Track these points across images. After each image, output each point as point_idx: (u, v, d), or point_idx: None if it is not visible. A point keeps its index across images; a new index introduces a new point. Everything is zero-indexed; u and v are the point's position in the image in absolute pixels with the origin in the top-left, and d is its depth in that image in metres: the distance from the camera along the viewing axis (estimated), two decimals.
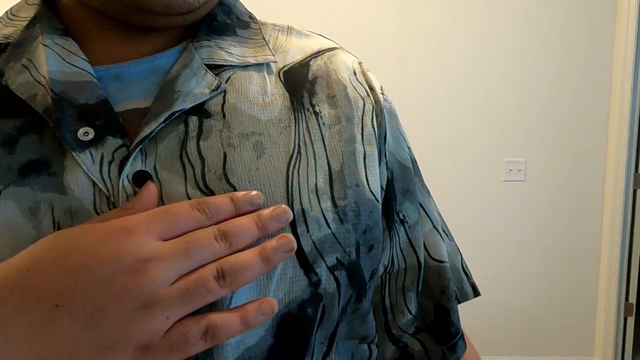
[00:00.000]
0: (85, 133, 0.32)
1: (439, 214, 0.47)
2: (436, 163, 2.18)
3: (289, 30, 0.44)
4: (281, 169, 0.35)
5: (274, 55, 0.40)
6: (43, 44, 0.35)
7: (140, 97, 0.35)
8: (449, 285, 0.44)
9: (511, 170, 2.20)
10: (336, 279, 0.36)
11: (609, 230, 2.20)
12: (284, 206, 0.32)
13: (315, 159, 0.36)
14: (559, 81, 2.15)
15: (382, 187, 0.41)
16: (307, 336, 0.35)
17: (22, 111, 0.34)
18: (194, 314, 0.29)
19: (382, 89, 0.43)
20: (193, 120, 0.35)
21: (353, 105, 0.40)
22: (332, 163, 0.37)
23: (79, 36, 0.38)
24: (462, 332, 0.46)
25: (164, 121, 0.33)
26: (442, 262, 0.44)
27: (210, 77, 0.36)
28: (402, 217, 0.42)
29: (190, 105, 0.34)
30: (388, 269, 0.42)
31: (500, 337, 2.26)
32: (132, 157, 0.32)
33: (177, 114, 0.34)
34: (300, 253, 0.34)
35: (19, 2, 0.40)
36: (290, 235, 0.32)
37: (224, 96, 0.36)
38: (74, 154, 0.32)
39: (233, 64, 0.38)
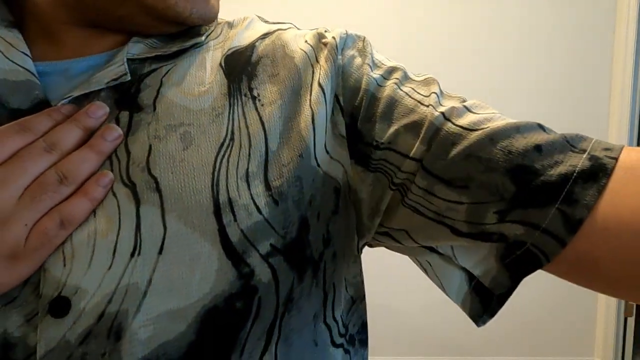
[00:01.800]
0: None
1: (458, 98, 0.38)
2: None
3: (243, 21, 0.44)
4: (208, 159, 0.34)
5: (202, 38, 0.40)
6: None
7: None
8: (512, 139, 0.33)
9: None
10: (271, 266, 0.34)
11: None
12: (98, 102, 0.34)
13: (250, 143, 0.35)
14: (559, 81, 2.15)
15: (343, 136, 0.38)
16: (234, 332, 0.33)
17: None
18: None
19: (345, 32, 0.41)
20: (124, 116, 0.35)
21: (302, 73, 0.39)
22: (270, 143, 0.35)
23: (40, 29, 0.38)
24: (585, 169, 0.31)
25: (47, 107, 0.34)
26: (482, 128, 0.34)
27: (120, 69, 0.36)
28: (375, 143, 0.37)
29: (79, 93, 0.35)
30: (402, 192, 0.36)
31: (501, 337, 2.26)
32: None
33: (69, 98, 0.35)
34: (226, 244, 0.32)
35: None
36: (114, 125, 0.34)
37: (159, 89, 0.36)
38: None
39: (153, 54, 0.38)
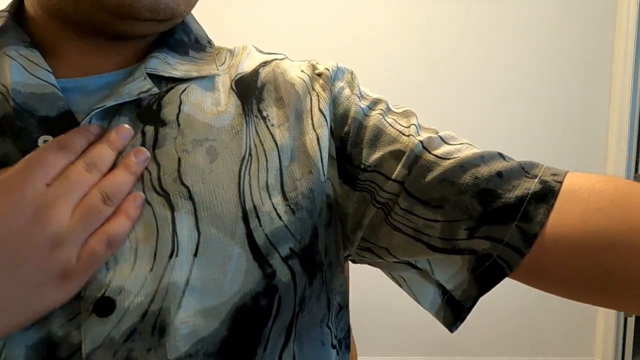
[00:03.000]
0: (45, 141, 0.35)
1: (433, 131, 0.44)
2: None
3: (243, 50, 0.48)
4: (233, 171, 0.38)
5: (217, 69, 0.44)
6: (7, 55, 0.37)
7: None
8: (478, 167, 0.39)
9: None
10: (290, 268, 0.38)
11: None
12: (125, 125, 0.36)
13: (266, 158, 0.39)
14: (559, 81, 2.15)
15: (333, 158, 0.43)
16: (259, 329, 0.37)
17: None
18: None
19: (336, 65, 0.46)
20: (149, 130, 0.38)
21: (302, 99, 0.43)
22: (282, 159, 0.40)
23: (47, 48, 0.40)
24: (537, 191, 0.37)
25: (84, 118, 0.37)
26: (454, 157, 0.40)
27: (146, 83, 0.39)
28: (362, 166, 0.41)
29: (112, 103, 0.37)
30: (386, 211, 0.41)
31: (501, 337, 2.26)
32: None
33: (94, 112, 0.37)
34: (253, 246, 0.36)
35: None
36: (143, 148, 0.36)
37: (180, 106, 0.40)
38: None
39: (175, 76, 0.41)
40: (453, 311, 0.41)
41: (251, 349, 0.36)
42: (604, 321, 2.23)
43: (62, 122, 0.36)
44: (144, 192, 0.35)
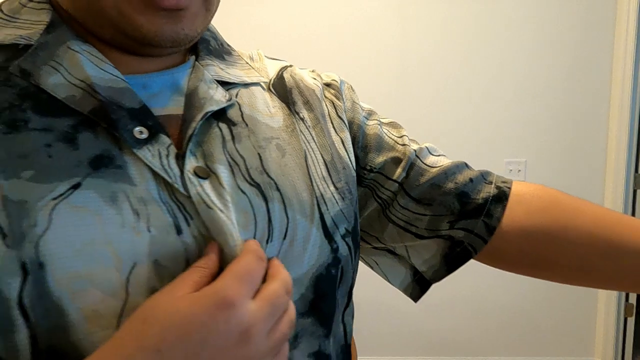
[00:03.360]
0: (140, 132, 0.36)
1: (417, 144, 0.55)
2: None
3: (259, 56, 0.52)
4: (302, 164, 0.44)
5: (261, 76, 0.48)
6: (72, 49, 0.37)
7: (166, 104, 0.40)
8: (457, 174, 0.52)
9: (511, 170, 2.20)
10: (347, 244, 0.46)
11: None
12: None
13: (314, 155, 0.46)
14: (559, 81, 2.15)
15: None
16: (333, 292, 0.44)
17: (67, 110, 0.36)
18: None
19: (339, 78, 0.54)
20: (224, 127, 0.41)
21: (321, 104, 0.50)
22: (324, 156, 0.47)
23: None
24: (495, 194, 0.51)
25: (200, 119, 0.39)
26: (439, 166, 0.52)
27: (222, 90, 0.43)
28: (369, 168, 0.51)
29: (217, 108, 0.41)
30: (384, 206, 0.52)
31: (500, 337, 2.26)
32: (188, 151, 0.37)
33: (208, 115, 0.40)
34: (324, 227, 0.43)
35: (9, 2, 0.40)
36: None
37: (240, 108, 0.43)
38: (134, 150, 0.36)
39: (235, 81, 0.45)
40: (420, 287, 0.54)
41: (331, 309, 0.44)
42: (604, 321, 2.23)
43: (145, 115, 0.37)
44: (236, 183, 0.39)
